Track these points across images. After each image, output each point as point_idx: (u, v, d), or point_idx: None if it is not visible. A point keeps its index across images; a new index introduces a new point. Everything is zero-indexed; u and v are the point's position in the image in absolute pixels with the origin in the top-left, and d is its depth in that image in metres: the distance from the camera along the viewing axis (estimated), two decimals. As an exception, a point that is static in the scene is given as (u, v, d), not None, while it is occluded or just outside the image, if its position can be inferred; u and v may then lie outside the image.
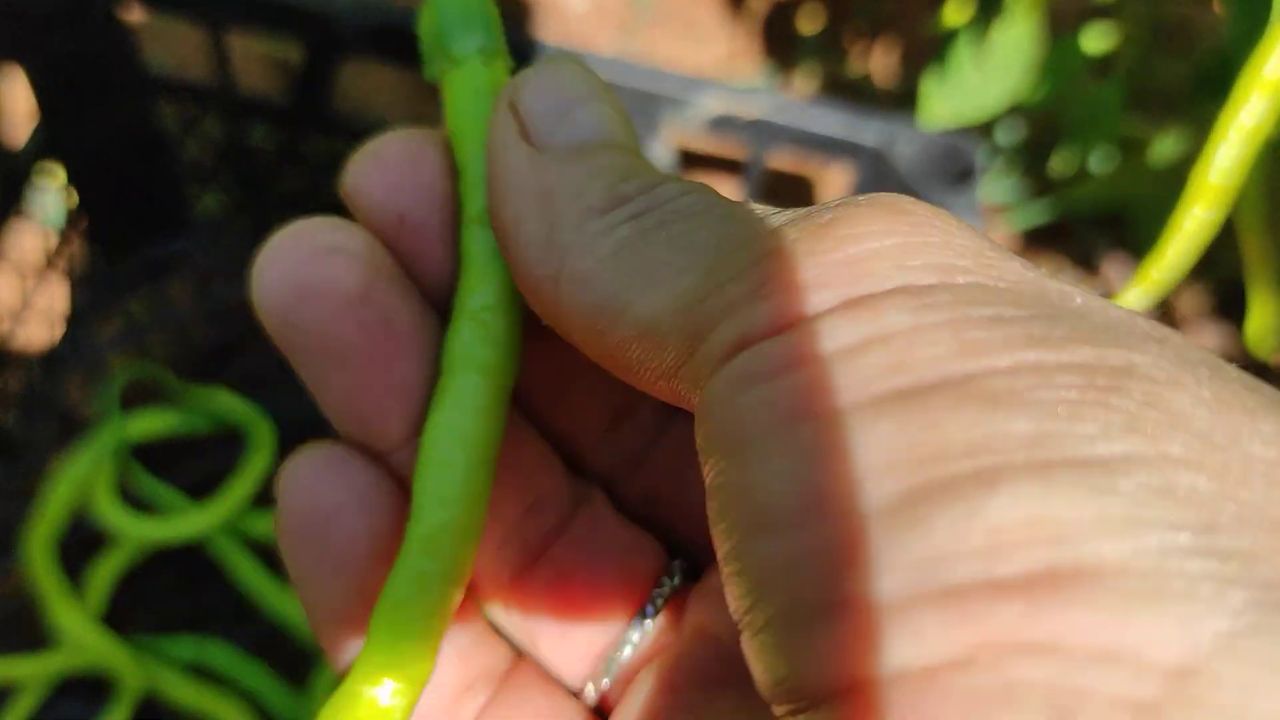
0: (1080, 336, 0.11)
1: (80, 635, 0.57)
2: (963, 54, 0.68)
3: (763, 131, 0.56)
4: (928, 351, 0.11)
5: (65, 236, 0.65)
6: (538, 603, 0.19)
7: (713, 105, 0.55)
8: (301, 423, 0.66)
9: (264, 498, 0.64)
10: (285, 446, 0.66)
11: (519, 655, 0.20)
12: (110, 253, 0.70)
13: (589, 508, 0.20)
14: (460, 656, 0.19)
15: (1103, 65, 0.91)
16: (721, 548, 0.12)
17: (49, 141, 0.61)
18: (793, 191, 0.86)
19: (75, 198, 0.66)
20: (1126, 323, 0.12)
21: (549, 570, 0.20)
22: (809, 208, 0.14)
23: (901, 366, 0.11)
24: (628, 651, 0.19)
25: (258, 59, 0.89)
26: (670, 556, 0.20)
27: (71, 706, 0.58)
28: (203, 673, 0.59)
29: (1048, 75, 0.68)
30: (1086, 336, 0.11)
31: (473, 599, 0.20)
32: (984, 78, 0.68)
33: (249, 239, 0.71)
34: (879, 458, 0.11)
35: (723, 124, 0.56)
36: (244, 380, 0.68)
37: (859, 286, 0.12)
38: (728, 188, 0.85)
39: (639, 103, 0.56)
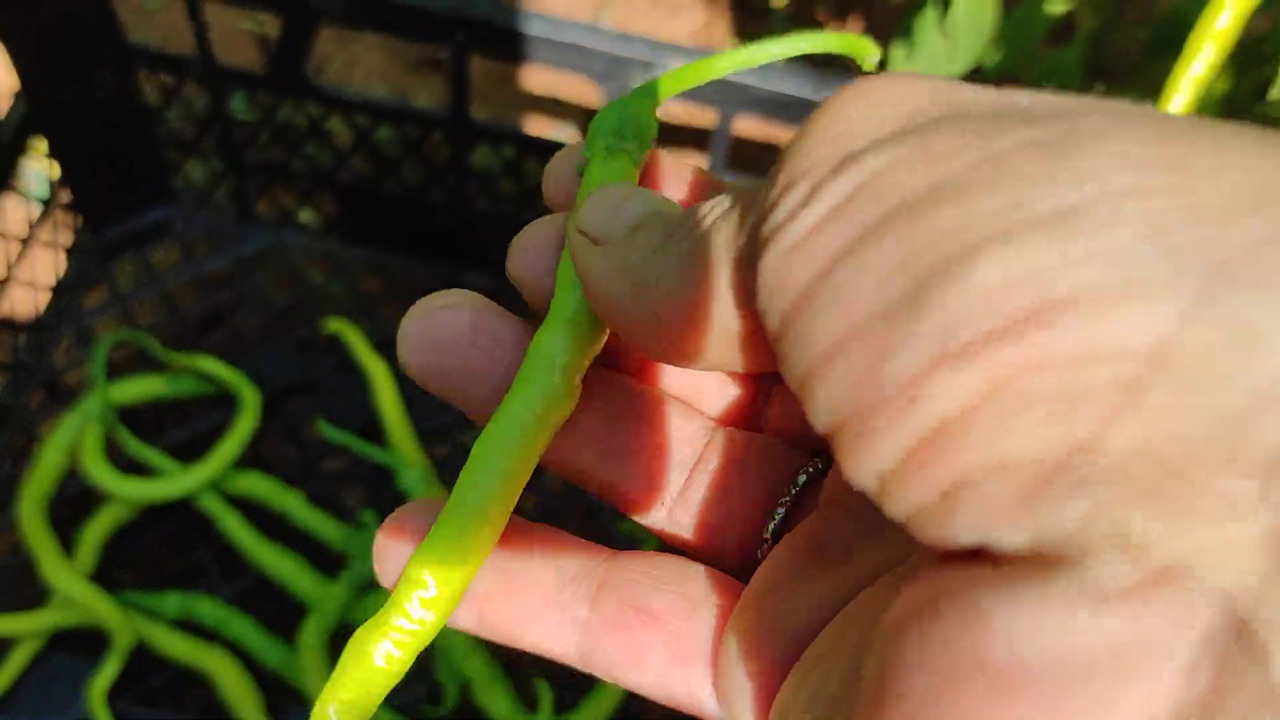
0: (1028, 122, 0.13)
1: (71, 592, 0.58)
2: (927, 20, 0.70)
3: (730, 93, 0.57)
4: (906, 175, 0.13)
5: (49, 207, 0.67)
6: (690, 514, 0.23)
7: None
8: (284, 385, 0.68)
9: (248, 457, 0.65)
10: (268, 409, 0.67)
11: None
12: (94, 223, 0.71)
13: (724, 434, 0.23)
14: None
15: (1063, 31, 0.93)
16: (793, 385, 0.15)
17: (31, 114, 0.62)
18: (761, 161, 0.87)
19: (58, 169, 0.67)
20: (1068, 102, 0.14)
21: (701, 482, 0.23)
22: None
23: (889, 194, 0.14)
24: (771, 527, 0.22)
25: (237, 31, 0.90)
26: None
27: (64, 660, 0.60)
28: (191, 627, 0.60)
29: (1009, 40, 0.70)
30: (1033, 120, 0.13)
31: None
32: (948, 44, 0.70)
33: (231, 207, 0.73)
34: (888, 263, 0.13)
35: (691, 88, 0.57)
36: (229, 346, 0.70)
37: (842, 153, 0.14)
38: (696, 158, 0.86)
39: (607, 68, 0.57)
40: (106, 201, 0.70)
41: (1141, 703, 0.11)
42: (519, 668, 0.60)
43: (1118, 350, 0.12)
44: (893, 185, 0.14)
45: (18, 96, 0.62)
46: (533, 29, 0.56)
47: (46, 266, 0.69)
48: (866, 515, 0.19)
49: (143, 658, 0.59)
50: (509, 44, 0.58)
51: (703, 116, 0.87)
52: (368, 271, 0.73)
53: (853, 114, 0.15)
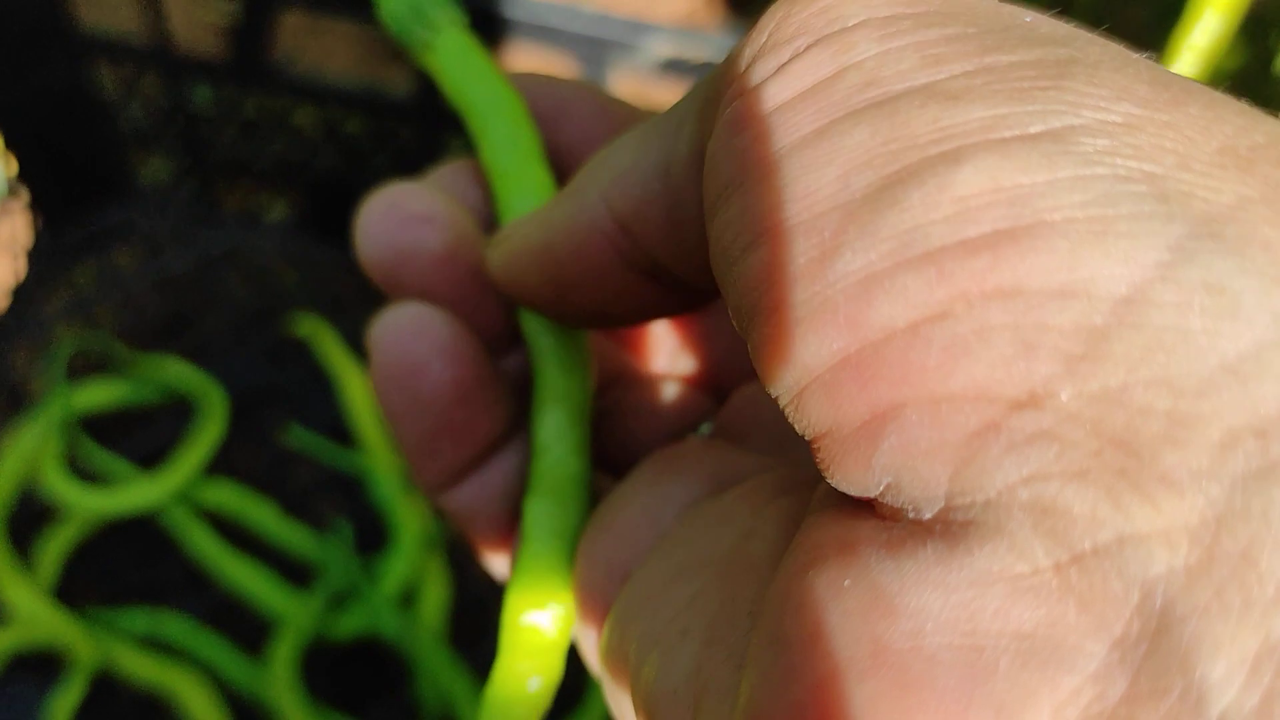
0: (1029, 41, 0.12)
1: (31, 611, 0.55)
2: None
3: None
4: (894, 68, 0.12)
5: (5, 207, 0.64)
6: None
7: (661, 49, 0.53)
8: (253, 391, 0.65)
9: (216, 466, 0.62)
10: (237, 415, 0.64)
11: None
12: (53, 223, 0.68)
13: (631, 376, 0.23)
14: None
15: (1063, 6, 0.90)
16: (719, 268, 0.13)
17: (-18, 107, 0.59)
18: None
19: (14, 166, 0.64)
20: (1070, 30, 0.13)
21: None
22: None
23: (873, 83, 0.12)
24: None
25: (196, 17, 0.87)
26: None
27: (24, 683, 0.57)
28: (158, 645, 0.57)
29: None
30: (1035, 40, 0.12)
31: None
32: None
33: (195, 206, 0.70)
34: (858, 156, 0.12)
35: (672, 68, 0.54)
36: (195, 349, 0.67)
37: (831, 27, 0.13)
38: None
39: (587, 49, 0.54)
40: (65, 200, 0.67)
41: (1049, 708, 0.10)
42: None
43: (1088, 293, 0.11)
44: (879, 74, 0.12)
45: (-32, 91, 0.59)
46: (509, 11, 0.54)
47: (4, 269, 0.66)
48: (758, 441, 0.19)
49: (107, 679, 0.57)
50: (485, 26, 0.56)
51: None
52: (340, 271, 0.70)
53: None
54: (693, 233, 0.16)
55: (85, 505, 0.58)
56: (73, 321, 0.67)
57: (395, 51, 0.91)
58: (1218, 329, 0.10)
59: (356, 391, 0.63)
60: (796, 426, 0.12)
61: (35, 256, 0.67)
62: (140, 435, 0.64)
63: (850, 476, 0.12)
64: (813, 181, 0.12)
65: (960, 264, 0.11)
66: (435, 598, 0.59)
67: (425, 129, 0.61)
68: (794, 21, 0.13)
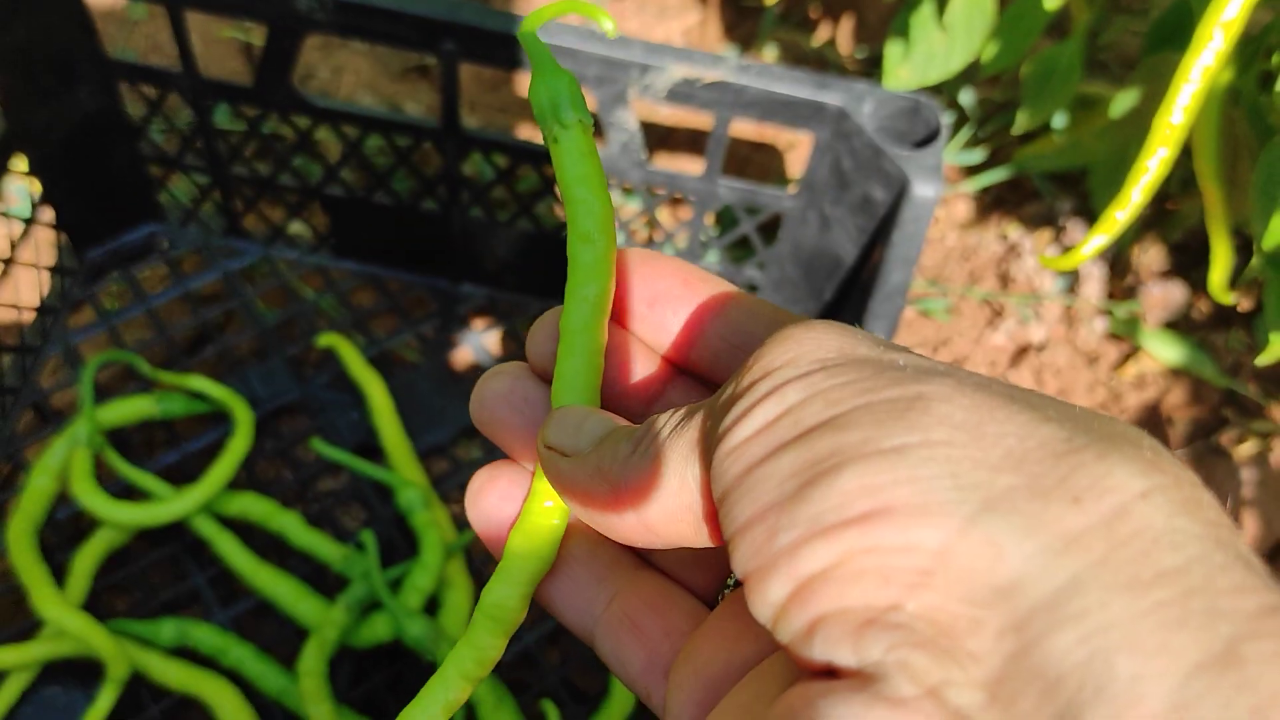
0: (894, 383, 0.20)
1: (63, 622, 0.57)
2: (923, 17, 0.69)
3: (727, 95, 0.56)
4: (810, 412, 0.21)
5: (31, 227, 0.65)
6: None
7: (678, 70, 0.55)
8: (277, 403, 0.66)
9: (242, 480, 0.64)
10: (262, 429, 0.66)
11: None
12: (79, 242, 0.69)
13: None
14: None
15: (1059, 27, 0.92)
16: (727, 543, 0.21)
17: (11, 131, 0.61)
18: (759, 162, 0.86)
19: (40, 187, 0.65)
20: (928, 366, 0.21)
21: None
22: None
23: (797, 424, 0.21)
24: (732, 579, 0.28)
25: (220, 41, 0.88)
26: None
27: (57, 692, 0.58)
28: (188, 654, 0.59)
29: (1006, 36, 0.68)
30: (898, 382, 0.20)
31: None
32: (946, 40, 0.69)
33: (218, 222, 0.71)
34: (786, 472, 0.20)
35: (688, 89, 0.56)
36: (219, 364, 0.68)
37: (775, 383, 0.21)
38: (692, 163, 0.85)
39: (604, 70, 0.56)
40: (91, 219, 0.68)
41: None
42: (524, 689, 0.59)
43: (918, 547, 0.18)
44: (802, 416, 0.21)
45: (0, 115, 0.60)
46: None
47: (31, 287, 0.67)
48: None
49: (138, 687, 0.58)
50: (499, 50, 0.57)
51: (699, 120, 0.86)
52: (360, 285, 0.71)
53: (786, 354, 0.22)
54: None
55: (116, 518, 0.59)
56: (99, 338, 0.69)
57: (413, 66, 0.93)
58: (992, 566, 0.18)
59: (378, 402, 0.65)
60: (775, 635, 0.20)
61: (61, 275, 0.69)
62: (166, 448, 0.65)
63: (807, 660, 0.19)
64: (764, 488, 0.20)
65: (845, 535, 0.19)
66: (458, 603, 0.60)
67: (443, 147, 0.63)
68: (755, 380, 0.22)
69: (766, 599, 0.20)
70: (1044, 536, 0.18)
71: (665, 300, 0.28)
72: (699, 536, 0.24)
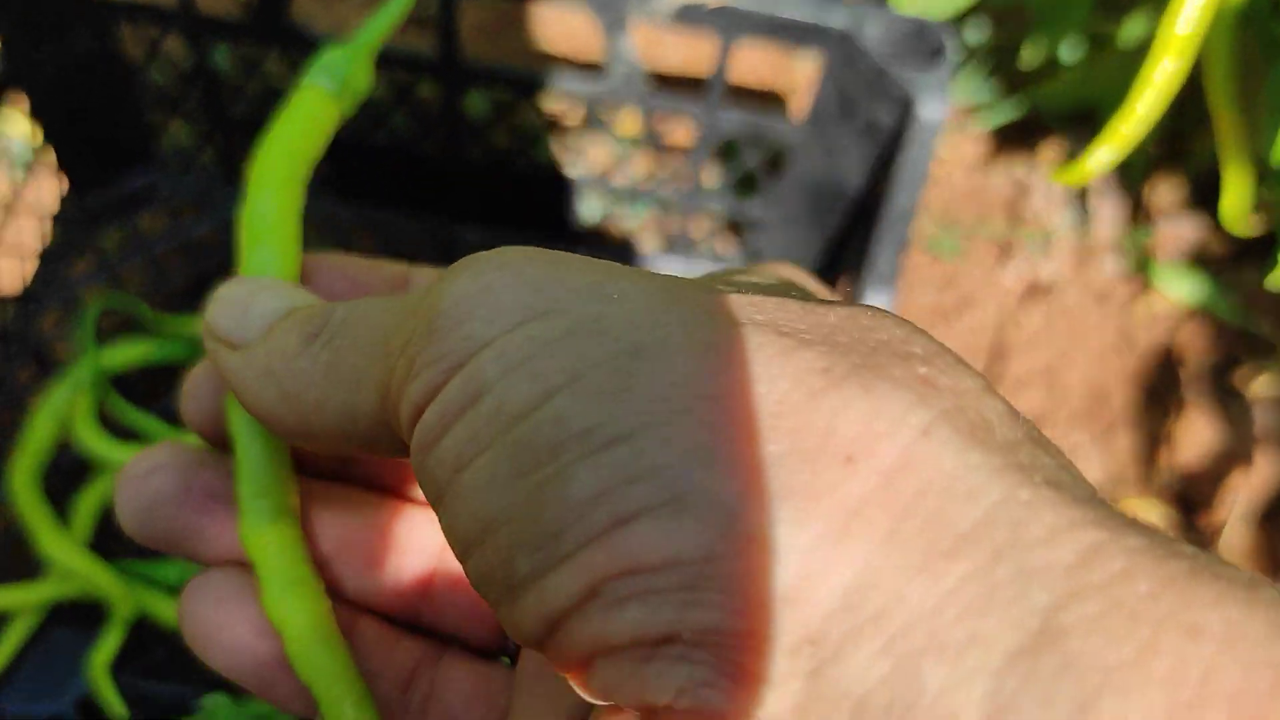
0: (604, 337, 0.16)
1: (68, 563, 0.56)
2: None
3: (729, 20, 0.55)
4: (513, 392, 0.16)
5: (32, 172, 0.65)
6: (447, 603, 0.25)
7: (677, -6, 0.54)
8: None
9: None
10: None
11: (444, 642, 0.25)
12: (79, 188, 0.69)
13: None
14: (391, 662, 0.24)
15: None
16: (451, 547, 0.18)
17: (10, 71, 0.60)
18: (759, 101, 0.85)
19: (40, 133, 0.65)
20: (649, 316, 0.16)
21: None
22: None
23: (500, 409, 0.17)
24: None
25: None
26: None
27: (64, 633, 0.58)
28: (194, 593, 0.58)
29: (1014, -33, 0.67)
30: (609, 334, 0.16)
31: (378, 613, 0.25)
32: (950, -27, 0.68)
33: (217, 169, 0.71)
34: (503, 475, 0.16)
35: (688, 15, 0.55)
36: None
37: (464, 349, 0.17)
38: (689, 91, 0.83)
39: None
40: (90, 165, 0.68)
41: None
42: None
43: (678, 558, 0.15)
44: (505, 399, 0.16)
45: (-6, 56, 0.60)
46: (523, -40, 0.54)
47: (32, 234, 0.67)
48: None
49: (145, 629, 0.58)
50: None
51: (699, 65, 0.85)
52: (361, 229, 0.71)
53: (474, 301, 0.17)
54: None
55: (118, 460, 0.59)
56: (99, 284, 0.68)
57: (414, 17, 0.92)
58: (771, 566, 0.15)
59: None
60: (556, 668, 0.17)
61: (61, 221, 0.68)
62: (169, 393, 0.65)
63: (592, 698, 0.16)
64: (479, 505, 0.16)
65: (589, 557, 0.15)
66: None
67: (443, 87, 0.62)
68: (439, 340, 0.17)
69: (518, 633, 0.16)
70: (820, 519, 0.15)
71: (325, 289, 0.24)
72: (393, 452, 0.19)
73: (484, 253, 0.18)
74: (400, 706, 0.24)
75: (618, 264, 0.18)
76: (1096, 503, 0.15)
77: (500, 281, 0.17)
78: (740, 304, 0.17)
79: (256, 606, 0.23)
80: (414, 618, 0.25)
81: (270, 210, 0.23)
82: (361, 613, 0.25)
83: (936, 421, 0.15)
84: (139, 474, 0.23)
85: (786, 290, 0.18)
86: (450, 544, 0.17)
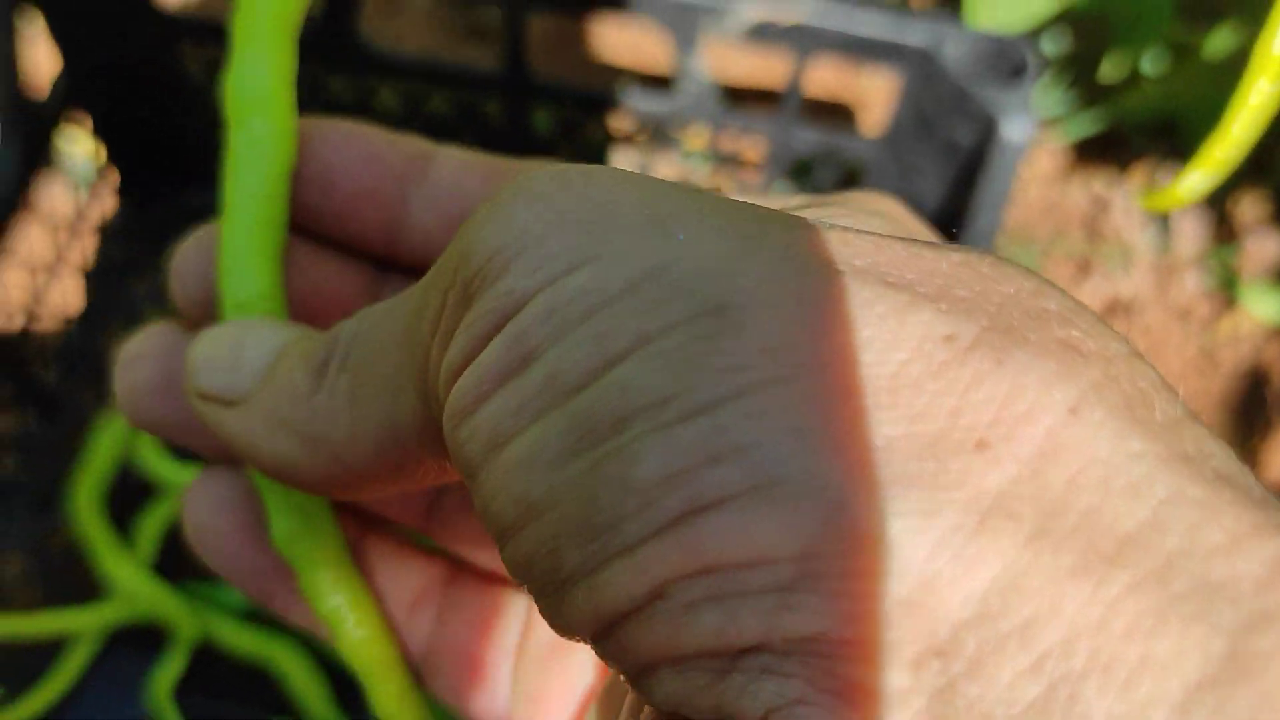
0: (680, 289, 0.14)
1: (132, 585, 0.56)
2: (1006, -42, 0.66)
3: (804, 37, 0.54)
4: (570, 357, 0.14)
5: (95, 190, 0.64)
6: (457, 524, 0.23)
7: (752, 12, 0.53)
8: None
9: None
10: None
11: (456, 564, 0.23)
12: (142, 205, 0.69)
13: None
14: (398, 581, 0.22)
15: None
16: (489, 531, 0.15)
17: (73, 91, 0.60)
18: (829, 122, 0.84)
19: (103, 151, 0.65)
20: (726, 266, 0.14)
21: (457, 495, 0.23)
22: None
23: (554, 375, 0.14)
24: None
25: None
26: None
27: (127, 655, 0.58)
28: (257, 618, 0.58)
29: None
30: (687, 286, 0.14)
31: (392, 531, 0.23)
32: (1029, -19, 0.66)
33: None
34: (559, 452, 0.14)
35: (762, 32, 0.54)
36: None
37: (509, 302, 0.15)
38: (762, 110, 0.82)
39: (675, 16, 0.54)
40: (152, 182, 0.68)
41: None
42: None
43: (769, 555, 0.12)
44: (558, 365, 0.14)
45: (60, 74, 0.60)
46: (593, -23, 0.53)
47: (94, 252, 0.67)
48: None
49: (208, 651, 0.57)
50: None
51: (770, 79, 0.83)
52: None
53: (511, 245, 0.14)
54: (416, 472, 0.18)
55: (180, 481, 0.59)
56: (161, 302, 0.68)
57: (475, 29, 0.91)
58: (885, 570, 0.12)
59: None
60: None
61: (123, 239, 0.68)
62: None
63: (650, 701, 0.14)
64: (524, 486, 0.14)
65: (656, 551, 0.13)
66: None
67: (510, 104, 0.61)
68: (478, 292, 0.14)
69: (565, 629, 0.14)
70: (950, 513, 0.12)
71: (346, 180, 0.20)
72: (441, 478, 0.17)
73: (510, 185, 0.15)
74: (407, 629, 0.22)
75: (673, 185, 0.15)
76: (1276, 503, 0.13)
77: (538, 220, 0.14)
78: (836, 246, 0.14)
79: (254, 512, 0.22)
80: (423, 534, 0.24)
81: (262, 85, 0.20)
82: (369, 530, 0.23)
83: (1086, 397, 0.12)
84: (125, 357, 0.22)
85: (882, 228, 0.16)
86: (484, 525, 0.15)
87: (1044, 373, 0.13)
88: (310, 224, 0.21)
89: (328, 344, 0.17)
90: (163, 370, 0.21)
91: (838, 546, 0.12)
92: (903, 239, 0.14)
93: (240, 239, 0.20)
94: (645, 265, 0.14)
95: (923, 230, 0.18)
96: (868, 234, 0.14)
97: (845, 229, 0.14)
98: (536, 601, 0.15)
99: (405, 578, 0.22)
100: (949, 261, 0.14)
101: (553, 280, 0.14)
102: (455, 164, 0.20)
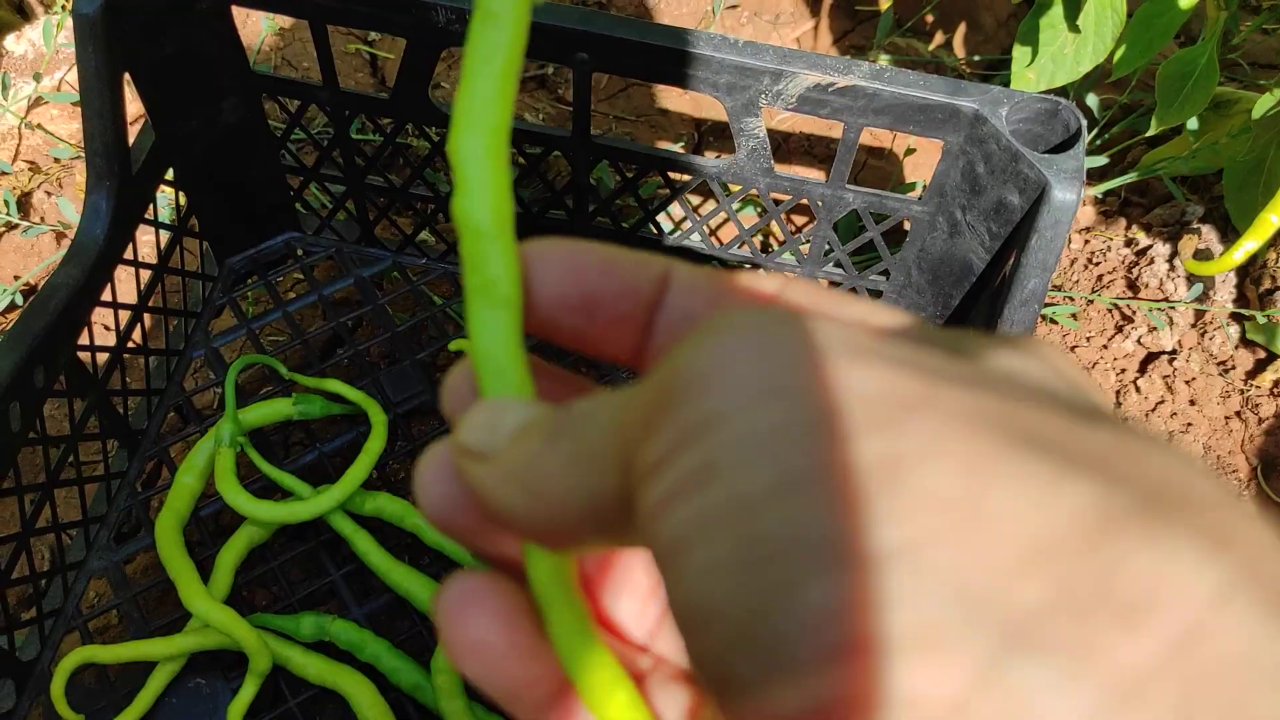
0: (861, 431, 0.15)
1: (209, 615, 0.59)
2: (1053, 19, 0.68)
3: (860, 99, 0.56)
4: (749, 478, 0.15)
5: (177, 235, 0.68)
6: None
7: (809, 76, 0.55)
8: (409, 405, 0.68)
9: (373, 480, 0.65)
10: (392, 431, 0.67)
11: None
12: (220, 249, 0.72)
13: None
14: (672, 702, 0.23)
15: (1184, 29, 0.90)
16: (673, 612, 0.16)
17: (159, 144, 0.63)
18: (875, 168, 0.86)
19: (185, 196, 0.68)
20: (904, 400, 0.15)
21: None
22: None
23: (733, 488, 0.15)
24: None
25: (346, 55, 0.91)
26: None
27: (202, 683, 0.60)
28: (326, 648, 0.60)
29: (1139, 36, 0.67)
30: (866, 430, 0.15)
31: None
32: (1076, 42, 0.68)
33: (351, 230, 0.73)
34: (730, 563, 0.15)
35: (818, 95, 0.56)
36: (352, 367, 0.70)
37: (701, 416, 0.16)
38: (810, 173, 0.84)
39: (736, 77, 0.56)
40: (232, 228, 0.71)
41: None
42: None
43: (921, 701, 0.13)
44: (740, 483, 0.15)
45: (145, 127, 0.63)
46: (657, 40, 0.56)
47: (175, 293, 0.70)
48: None
49: (279, 679, 0.60)
50: (630, 58, 0.58)
51: (817, 126, 0.86)
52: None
53: (713, 371, 0.16)
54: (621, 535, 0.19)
55: (259, 515, 0.61)
56: (238, 342, 0.71)
57: (528, 79, 0.94)
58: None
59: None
60: None
61: (203, 280, 0.71)
62: (301, 448, 0.67)
63: None
64: (703, 586, 0.15)
65: (818, 676, 0.14)
66: (586, 606, 0.61)
67: (573, 158, 0.64)
68: (679, 402, 0.16)
69: (734, 716, 0.16)
70: (1095, 682, 0.13)
71: (607, 306, 0.22)
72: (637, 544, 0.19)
73: (722, 316, 0.17)
74: None
75: (847, 332, 0.16)
76: None
77: (738, 351, 0.16)
78: (1004, 411, 0.15)
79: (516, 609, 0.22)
80: None
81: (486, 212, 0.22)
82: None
83: (1233, 584, 0.13)
84: (454, 584, 0.22)
85: (1045, 389, 0.17)
86: (672, 605, 0.16)
87: (1193, 556, 0.13)
88: (568, 342, 0.23)
89: (563, 416, 0.20)
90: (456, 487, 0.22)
91: (985, 702, 0.13)
92: (1065, 406, 0.16)
93: (496, 358, 0.22)
94: (823, 405, 0.15)
95: (1086, 382, 0.19)
96: (1033, 395, 0.16)
97: (1013, 386, 0.16)
98: (714, 697, 0.16)
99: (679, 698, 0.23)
100: (1104, 436, 0.15)
101: (742, 406, 0.15)
102: (686, 284, 0.22)
